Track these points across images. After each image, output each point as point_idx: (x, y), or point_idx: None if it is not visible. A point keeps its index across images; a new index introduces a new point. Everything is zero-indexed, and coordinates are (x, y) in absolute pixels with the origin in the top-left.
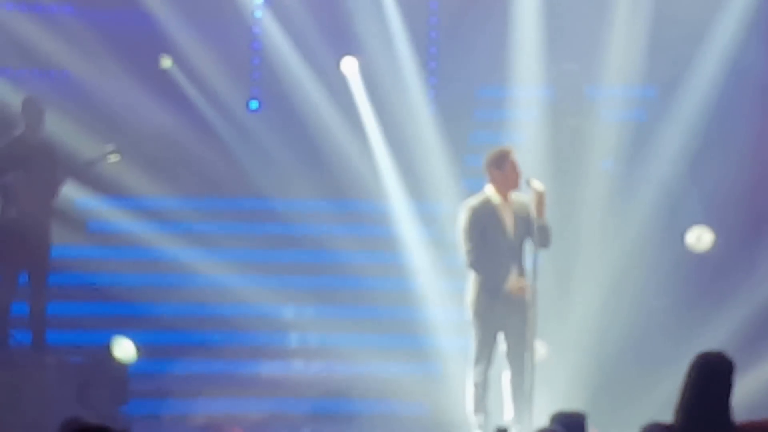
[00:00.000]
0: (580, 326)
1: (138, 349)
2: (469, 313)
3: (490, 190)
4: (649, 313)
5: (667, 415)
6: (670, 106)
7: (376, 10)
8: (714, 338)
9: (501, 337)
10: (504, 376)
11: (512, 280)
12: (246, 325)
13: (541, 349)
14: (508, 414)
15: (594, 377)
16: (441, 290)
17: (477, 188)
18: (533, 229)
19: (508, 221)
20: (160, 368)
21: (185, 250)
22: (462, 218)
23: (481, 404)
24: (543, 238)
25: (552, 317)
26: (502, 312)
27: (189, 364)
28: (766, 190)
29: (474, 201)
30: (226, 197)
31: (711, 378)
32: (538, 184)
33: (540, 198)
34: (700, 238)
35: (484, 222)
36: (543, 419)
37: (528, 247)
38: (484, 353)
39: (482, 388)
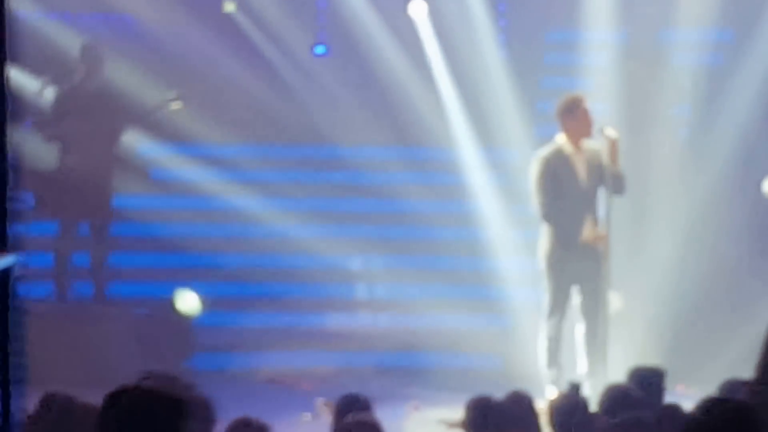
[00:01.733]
0: (656, 276)
1: (202, 301)
2: (542, 264)
3: (561, 139)
4: (725, 262)
5: (745, 369)
6: (747, 50)
7: None
8: None
9: (575, 290)
10: (577, 329)
11: (587, 231)
12: (312, 277)
13: (615, 300)
14: (581, 368)
15: (670, 329)
16: (513, 240)
17: (549, 134)
18: (607, 177)
19: (581, 170)
20: (224, 321)
21: (250, 199)
22: (534, 169)
23: (554, 358)
24: (617, 187)
25: (626, 268)
26: (575, 263)
27: (254, 317)
28: None
29: (546, 151)
30: (292, 144)
31: None
32: (611, 132)
33: (613, 145)
34: None
35: (556, 172)
36: (617, 373)
37: (602, 196)
38: (558, 306)
39: (555, 341)
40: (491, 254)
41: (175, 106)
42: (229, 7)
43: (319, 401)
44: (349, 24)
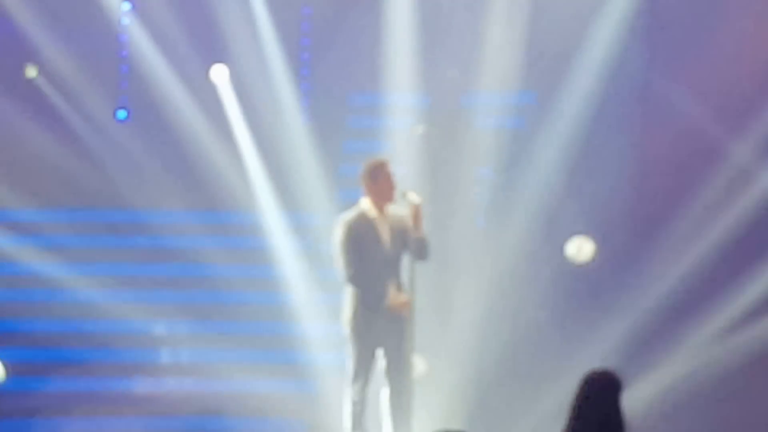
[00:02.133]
0: (459, 341)
1: (6, 367)
2: (346, 329)
3: (365, 203)
4: (529, 326)
5: (545, 431)
6: (549, 113)
7: (247, 16)
8: (594, 352)
9: (379, 354)
10: (383, 394)
11: (391, 296)
12: (116, 342)
13: (420, 365)
14: None
15: (473, 393)
16: (316, 304)
17: (351, 198)
18: (410, 242)
19: (385, 235)
20: (28, 386)
21: (53, 265)
22: (337, 233)
23: (358, 422)
24: (420, 251)
25: (431, 332)
26: (380, 328)
27: (58, 382)
28: (646, 197)
29: (349, 215)
30: (95, 209)
31: (600, 397)
32: (414, 197)
33: (416, 210)
34: (580, 248)
35: (360, 236)
36: None
37: (405, 261)
38: (362, 370)
39: (360, 405)
40: (295, 318)
41: None
42: (31, 72)
43: None
44: (151, 89)
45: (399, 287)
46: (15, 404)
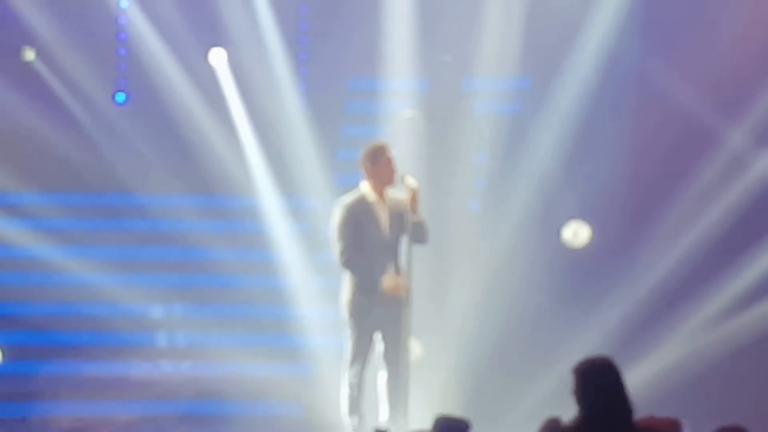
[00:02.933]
0: (456, 324)
1: (3, 350)
2: (344, 312)
3: (365, 187)
4: (525, 310)
5: (544, 414)
6: (545, 99)
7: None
8: (590, 336)
9: (377, 337)
10: (380, 377)
11: (388, 280)
12: (113, 325)
13: (416, 348)
14: (383, 415)
15: (470, 376)
16: (313, 288)
17: (349, 182)
18: (408, 225)
19: (383, 219)
20: (24, 370)
21: (49, 248)
22: (336, 217)
23: (355, 406)
24: (418, 235)
25: (427, 315)
26: (377, 311)
27: (54, 365)
28: (641, 184)
29: (348, 199)
30: (92, 193)
31: (597, 384)
32: (411, 181)
33: (414, 194)
34: (576, 233)
35: (358, 220)
36: (419, 421)
37: (404, 245)
38: (360, 354)
39: (357, 389)
40: (292, 302)
41: None
42: (29, 56)
43: None
44: (149, 72)
45: (397, 271)
46: (12, 387)
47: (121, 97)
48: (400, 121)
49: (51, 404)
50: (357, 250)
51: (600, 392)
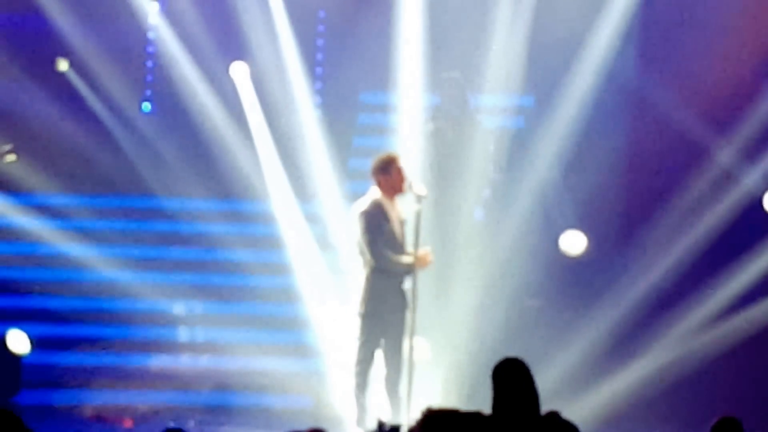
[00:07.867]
0: (458, 326)
1: (31, 341)
2: (357, 315)
3: (377, 194)
4: (524, 313)
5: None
6: (547, 115)
7: (266, 18)
8: (585, 338)
9: (384, 339)
10: (381, 375)
11: (419, 257)
12: (136, 320)
13: (424, 349)
14: (384, 410)
15: (470, 375)
16: (322, 287)
17: (360, 190)
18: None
19: (396, 222)
20: (52, 360)
21: (78, 246)
22: (361, 223)
23: (360, 401)
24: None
25: (430, 317)
26: (387, 316)
27: (80, 356)
28: (635, 194)
29: (367, 206)
30: (119, 195)
31: (507, 381)
32: (420, 189)
33: (422, 202)
34: (573, 242)
35: (379, 221)
36: None
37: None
38: (369, 353)
39: (362, 385)
40: (304, 301)
41: (10, 158)
42: (63, 66)
43: None
44: (174, 83)
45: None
46: (39, 376)
47: (147, 106)
48: (423, 132)
49: (76, 393)
50: (384, 247)
51: (509, 387)
